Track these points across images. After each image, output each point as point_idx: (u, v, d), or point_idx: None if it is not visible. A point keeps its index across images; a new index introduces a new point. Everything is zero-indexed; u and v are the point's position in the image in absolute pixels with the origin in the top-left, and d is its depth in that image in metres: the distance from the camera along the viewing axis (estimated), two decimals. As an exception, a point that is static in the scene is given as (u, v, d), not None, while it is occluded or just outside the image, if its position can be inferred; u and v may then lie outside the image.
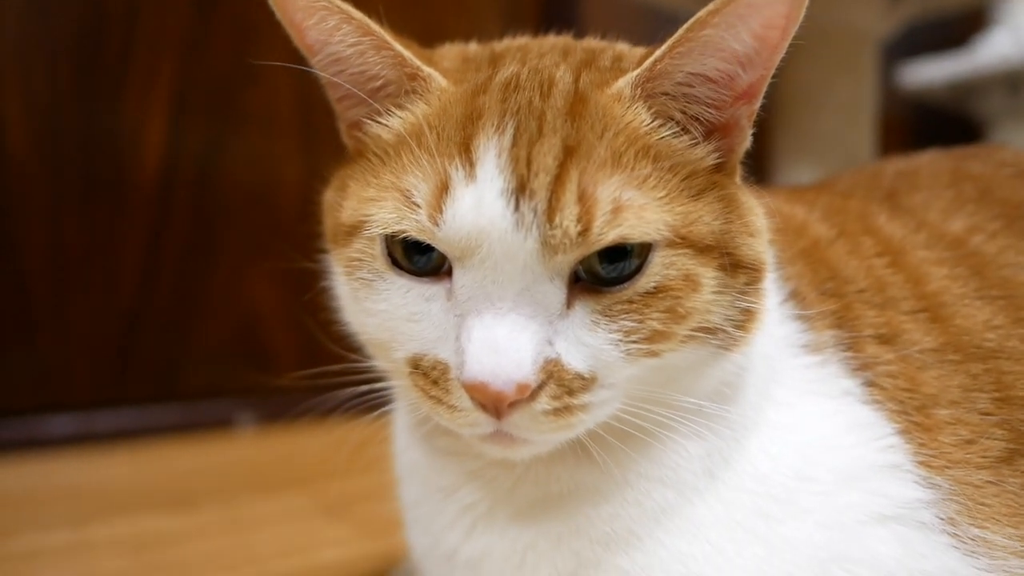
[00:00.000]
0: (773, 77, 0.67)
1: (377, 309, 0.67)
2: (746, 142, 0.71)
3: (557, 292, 0.62)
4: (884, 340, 0.75)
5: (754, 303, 0.68)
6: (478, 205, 0.60)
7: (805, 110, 2.07)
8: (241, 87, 2.09)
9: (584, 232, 0.60)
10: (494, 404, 0.60)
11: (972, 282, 0.78)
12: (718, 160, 0.68)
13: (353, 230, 0.68)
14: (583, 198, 0.60)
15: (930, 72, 3.30)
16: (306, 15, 0.68)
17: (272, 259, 2.12)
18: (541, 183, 0.60)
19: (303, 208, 2.15)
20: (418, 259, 0.65)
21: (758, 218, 0.71)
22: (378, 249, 0.66)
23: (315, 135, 2.15)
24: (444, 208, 0.61)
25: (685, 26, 0.62)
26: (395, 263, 0.66)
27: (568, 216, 0.60)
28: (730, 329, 0.67)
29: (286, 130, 2.15)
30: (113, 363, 1.94)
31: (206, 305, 2.06)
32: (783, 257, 0.80)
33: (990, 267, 0.79)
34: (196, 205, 2.04)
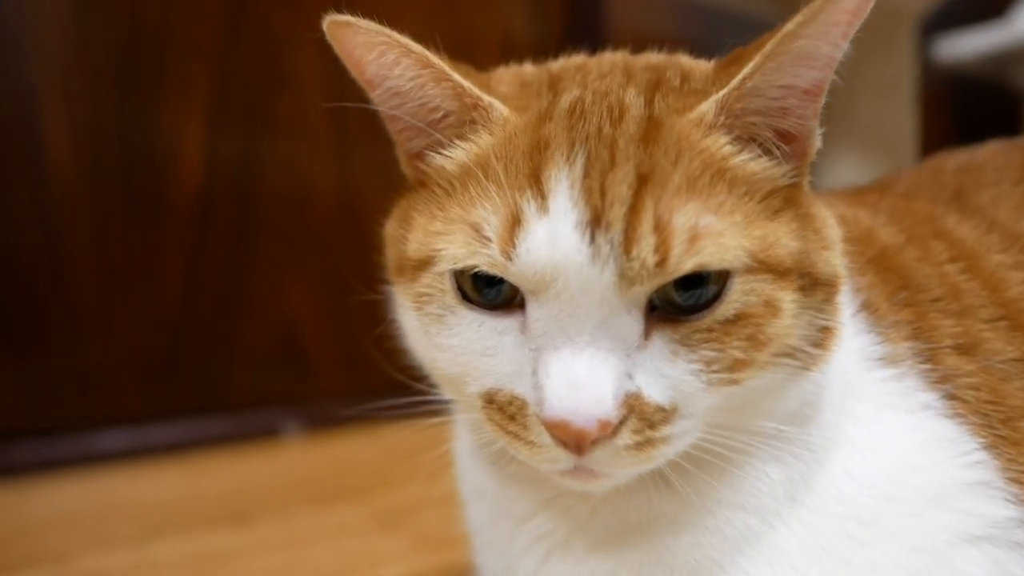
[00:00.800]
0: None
1: (449, 344, 0.66)
2: (816, 144, 0.68)
3: (635, 324, 0.60)
4: (964, 350, 0.72)
5: (831, 320, 0.66)
6: (552, 239, 0.59)
7: (843, 93, 2.02)
8: (274, 95, 2.09)
9: (662, 263, 0.58)
10: (576, 442, 0.59)
11: None
12: (794, 176, 0.66)
13: (421, 264, 0.66)
14: (659, 227, 0.58)
15: (966, 45, 3.23)
16: (366, 51, 0.67)
17: (310, 266, 2.13)
18: (617, 214, 0.59)
19: (338, 214, 2.17)
20: (488, 292, 0.63)
21: (832, 229, 0.69)
22: (448, 283, 0.65)
23: (348, 141, 2.14)
24: (517, 242, 0.59)
25: (775, 40, 0.60)
26: (465, 296, 0.64)
27: (645, 247, 0.58)
28: (808, 348, 0.65)
29: (319, 137, 2.15)
30: (161, 375, 1.96)
31: (247, 313, 2.07)
32: (853, 267, 0.77)
33: None
34: (234, 214, 2.05)
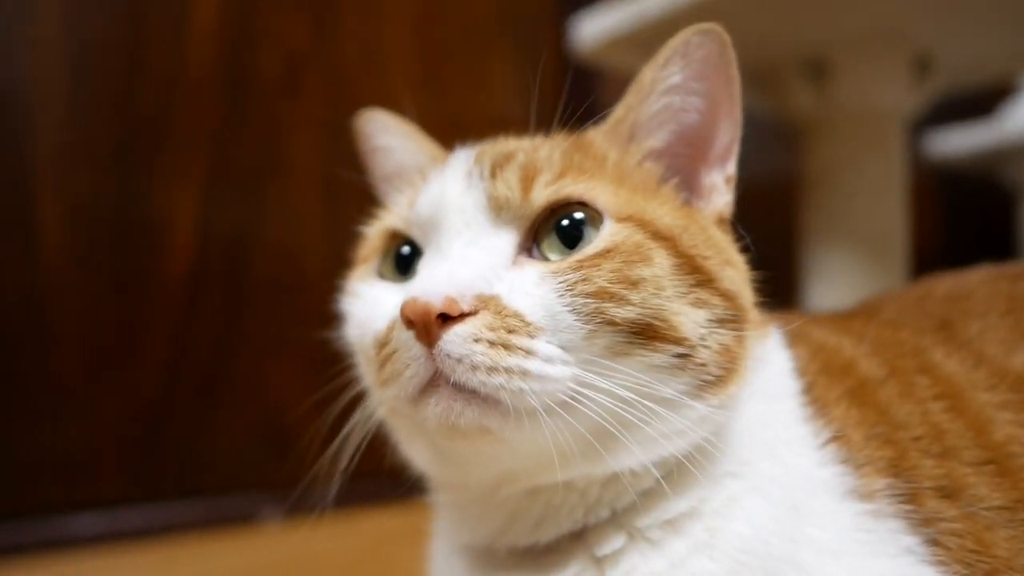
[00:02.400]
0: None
1: (358, 309, 0.79)
2: (711, 188, 0.81)
3: (504, 245, 0.70)
4: (946, 494, 0.70)
5: (736, 345, 0.71)
6: (442, 184, 0.74)
7: (834, 191, 2.04)
8: (268, 179, 2.11)
9: (526, 192, 0.70)
10: (422, 319, 0.62)
11: None
12: (685, 195, 0.80)
13: (361, 259, 0.86)
14: (526, 167, 0.72)
15: (957, 141, 3.27)
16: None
17: (296, 351, 2.11)
18: (489, 156, 0.74)
19: (326, 300, 2.16)
20: (401, 267, 0.79)
21: (737, 255, 0.78)
22: (371, 266, 0.83)
23: (339, 228, 2.13)
24: (419, 196, 0.76)
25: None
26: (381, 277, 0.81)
27: (511, 175, 0.71)
28: (705, 356, 0.68)
29: (311, 223, 2.15)
30: (139, 457, 1.93)
31: (230, 397, 2.05)
32: (827, 397, 0.77)
33: None
34: (222, 297, 2.04)
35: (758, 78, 2.23)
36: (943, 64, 2.10)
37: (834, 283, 2.03)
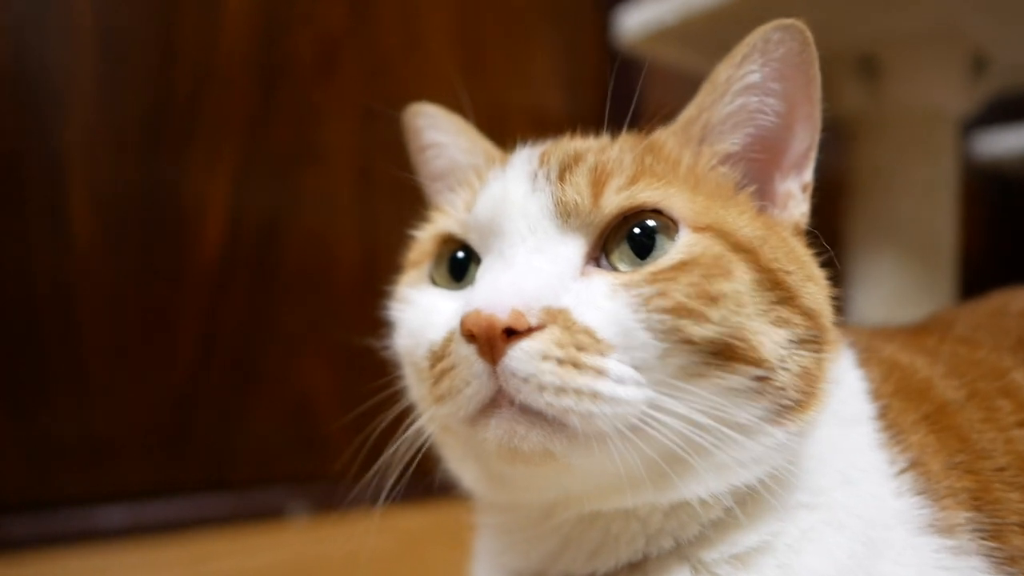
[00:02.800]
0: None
1: (409, 317, 0.74)
2: (789, 194, 0.76)
3: (573, 255, 0.65)
4: None
5: (816, 368, 0.66)
6: (504, 185, 0.69)
7: (883, 193, 1.99)
8: (301, 167, 2.07)
9: (596, 197, 0.65)
10: (487, 334, 0.58)
11: None
12: (761, 200, 0.74)
13: (412, 263, 0.80)
14: (597, 171, 0.67)
15: (1005, 142, 3.19)
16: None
17: (327, 342, 2.08)
18: (557, 158, 0.69)
19: (358, 290, 2.13)
20: (456, 273, 0.74)
21: (817, 269, 0.73)
22: (424, 270, 0.78)
23: (373, 216, 2.11)
24: (477, 199, 0.71)
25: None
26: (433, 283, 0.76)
27: (580, 178, 0.66)
28: (785, 379, 0.64)
29: (344, 211, 2.12)
30: (166, 448, 1.91)
31: (259, 388, 2.03)
32: (904, 422, 0.72)
33: None
34: (252, 286, 2.02)
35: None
36: (999, 64, 2.03)
37: (880, 287, 1.98)
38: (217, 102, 1.98)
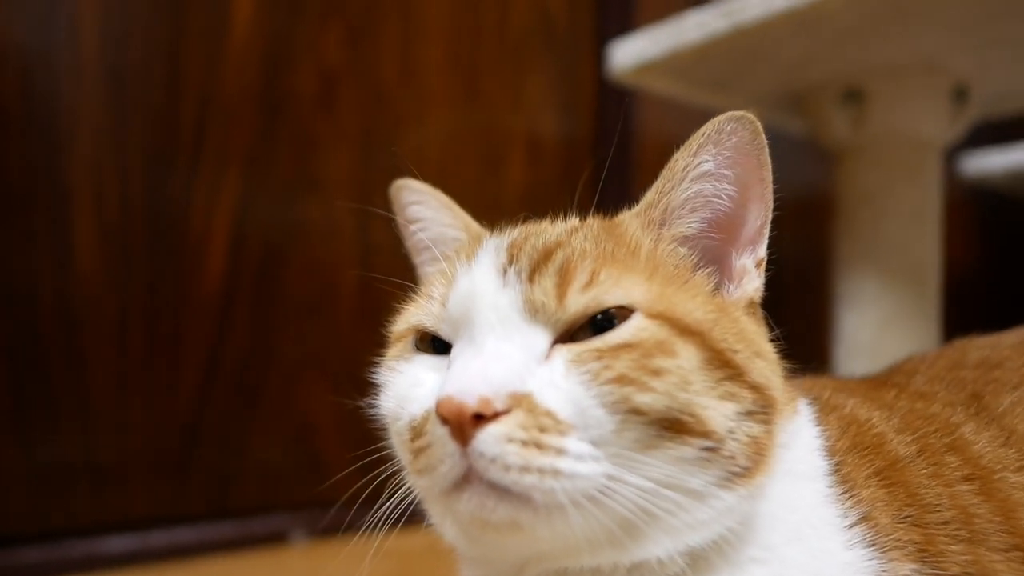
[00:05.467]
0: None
1: (396, 382, 0.79)
2: (744, 273, 0.81)
3: (538, 343, 0.70)
4: None
5: (765, 437, 0.71)
6: (472, 280, 0.74)
7: (868, 217, 2.04)
8: (302, 197, 2.12)
9: (561, 297, 0.70)
10: (457, 418, 0.63)
11: None
12: (715, 284, 0.79)
13: (397, 337, 0.84)
14: (563, 269, 0.72)
15: (993, 162, 3.24)
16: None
17: (328, 369, 2.13)
18: (527, 256, 0.74)
19: (358, 318, 2.16)
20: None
21: (767, 345, 0.78)
22: (409, 342, 0.82)
23: (372, 246, 2.16)
24: (450, 294, 0.75)
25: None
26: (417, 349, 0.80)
27: (548, 280, 0.71)
28: (734, 449, 0.68)
29: (344, 240, 2.17)
30: (171, 475, 1.95)
31: (262, 415, 2.06)
32: (857, 477, 0.77)
33: None
34: (255, 315, 2.06)
35: (796, 102, 2.23)
36: (979, 94, 2.08)
37: (867, 310, 2.02)
38: (221, 133, 2.02)
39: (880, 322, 2.00)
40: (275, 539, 1.99)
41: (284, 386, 2.09)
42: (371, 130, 2.20)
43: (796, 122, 2.32)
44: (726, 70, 2.05)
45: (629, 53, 2.03)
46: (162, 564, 1.83)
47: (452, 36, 2.40)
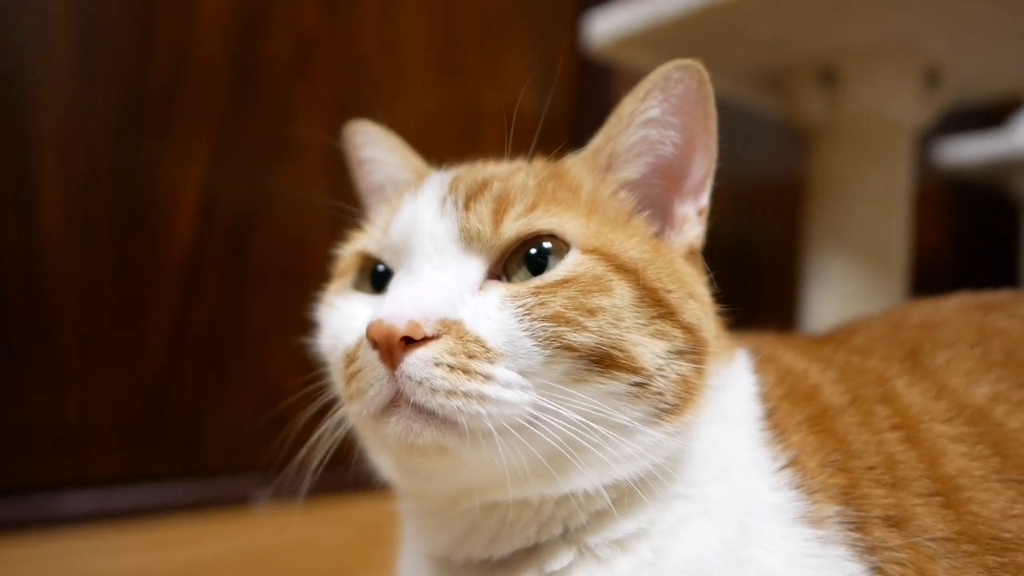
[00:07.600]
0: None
1: (332, 319, 0.83)
2: (684, 219, 0.83)
3: (473, 272, 0.72)
4: (893, 523, 0.71)
5: (695, 377, 0.73)
6: (416, 209, 0.76)
7: (838, 198, 2.05)
8: (274, 162, 2.11)
9: (497, 224, 0.72)
10: (386, 341, 0.65)
11: (992, 462, 0.74)
12: (656, 228, 0.82)
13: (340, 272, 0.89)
14: (500, 198, 0.74)
15: (967, 151, 3.26)
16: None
17: (298, 335, 2.12)
18: (465, 186, 0.76)
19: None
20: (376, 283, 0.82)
21: (702, 288, 0.80)
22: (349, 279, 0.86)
23: (345, 211, 2.15)
24: (393, 220, 0.78)
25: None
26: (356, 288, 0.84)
27: (484, 207, 0.73)
28: (662, 386, 0.70)
29: (316, 207, 2.16)
30: (136, 437, 1.94)
31: (230, 379, 2.06)
32: (788, 423, 0.78)
33: (1012, 444, 0.75)
34: (224, 279, 2.05)
35: (771, 80, 2.23)
36: (952, 78, 2.09)
37: (834, 289, 2.04)
38: (192, 96, 2.01)
39: (848, 300, 2.02)
40: (240, 501, 1.98)
41: (253, 351, 2.09)
42: (347, 100, 2.19)
43: (774, 103, 2.33)
44: (703, 46, 2.05)
45: (608, 26, 2.03)
46: (125, 523, 1.83)
47: (432, 7, 2.39)
